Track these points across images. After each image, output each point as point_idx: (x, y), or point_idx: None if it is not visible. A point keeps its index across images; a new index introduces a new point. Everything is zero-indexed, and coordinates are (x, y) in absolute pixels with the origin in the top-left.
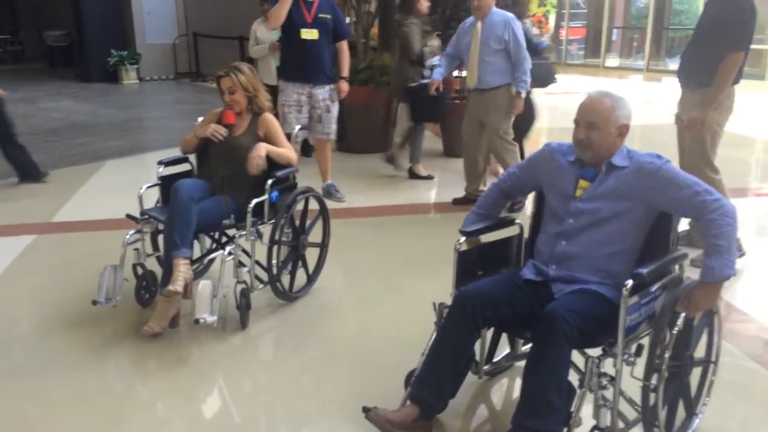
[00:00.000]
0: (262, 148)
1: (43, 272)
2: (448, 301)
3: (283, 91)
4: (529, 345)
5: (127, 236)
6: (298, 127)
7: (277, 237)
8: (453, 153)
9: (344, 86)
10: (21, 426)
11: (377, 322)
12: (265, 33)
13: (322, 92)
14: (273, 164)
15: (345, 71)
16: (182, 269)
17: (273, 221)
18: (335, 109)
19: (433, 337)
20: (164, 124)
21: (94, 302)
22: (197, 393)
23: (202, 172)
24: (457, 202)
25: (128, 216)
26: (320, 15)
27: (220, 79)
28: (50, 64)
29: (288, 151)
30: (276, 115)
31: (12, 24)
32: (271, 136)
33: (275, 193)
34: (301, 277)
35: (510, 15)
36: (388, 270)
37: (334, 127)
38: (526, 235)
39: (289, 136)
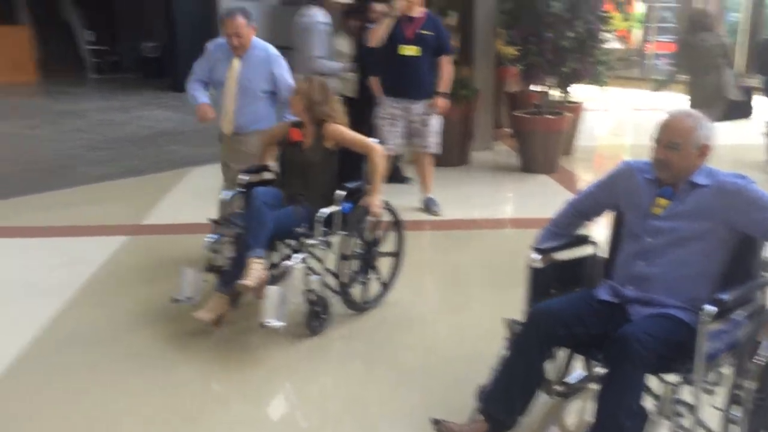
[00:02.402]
0: (376, 199)
1: (132, 271)
2: (520, 318)
3: (379, 105)
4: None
5: (208, 239)
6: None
7: (346, 252)
8: (531, 169)
9: (440, 102)
10: (102, 417)
11: (448, 335)
12: (345, 47)
13: (419, 107)
14: (345, 175)
15: (443, 87)
16: (254, 267)
17: (344, 232)
18: (435, 122)
19: (504, 353)
20: None
21: (174, 300)
22: (266, 396)
23: (279, 182)
24: None
25: (210, 220)
26: (421, 32)
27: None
28: (144, 75)
29: (378, 164)
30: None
31: (111, 36)
32: (343, 142)
33: (348, 205)
34: (374, 286)
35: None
36: (461, 284)
37: (432, 140)
38: (601, 254)
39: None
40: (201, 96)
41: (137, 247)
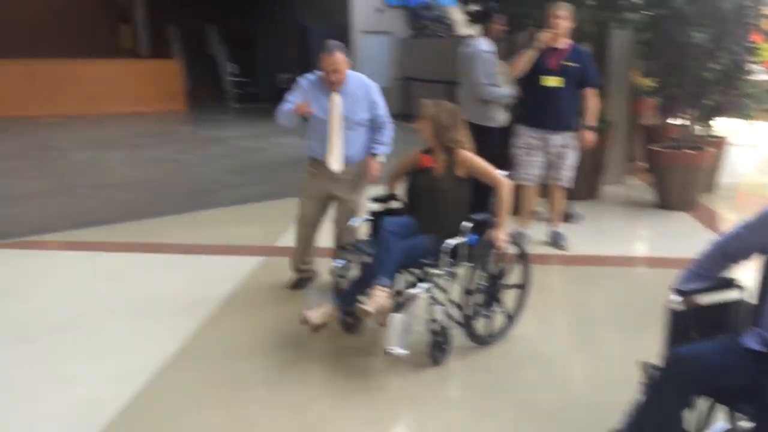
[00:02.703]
0: (500, 233)
1: (266, 290)
2: (656, 362)
3: (518, 135)
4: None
5: (336, 264)
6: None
7: (470, 284)
8: (667, 205)
9: (587, 136)
10: (238, 428)
11: (575, 375)
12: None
13: (557, 138)
14: (473, 206)
15: (590, 120)
16: (378, 295)
17: (469, 264)
18: (572, 155)
19: (639, 399)
20: None
21: (304, 321)
22: (386, 421)
23: (408, 210)
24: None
25: (338, 246)
26: (566, 63)
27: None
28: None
29: (504, 197)
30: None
31: (251, 69)
32: (473, 172)
33: (474, 237)
34: (499, 320)
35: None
36: (590, 323)
37: (566, 173)
38: (749, 299)
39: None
40: (289, 105)
41: (272, 267)
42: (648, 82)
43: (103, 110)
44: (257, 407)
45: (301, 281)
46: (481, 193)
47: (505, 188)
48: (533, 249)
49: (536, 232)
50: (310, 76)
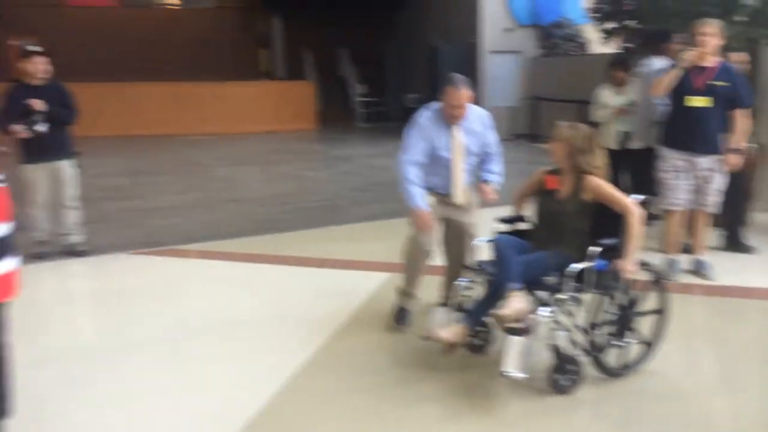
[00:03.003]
0: (628, 264)
1: (391, 306)
2: None
3: (663, 158)
4: None
5: (462, 282)
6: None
7: (597, 312)
8: None
9: (732, 159)
10: None
11: (717, 414)
12: (611, 98)
13: (704, 161)
14: (602, 230)
15: (736, 143)
16: (513, 298)
17: (596, 291)
18: (719, 181)
19: None
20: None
21: (425, 338)
22: None
23: (533, 230)
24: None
25: (463, 266)
26: (713, 83)
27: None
28: (407, 123)
29: (634, 226)
30: (614, 182)
31: (380, 89)
32: (601, 197)
33: (602, 262)
34: (632, 351)
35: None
36: (735, 358)
37: (713, 198)
38: None
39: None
40: (419, 197)
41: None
42: None
43: (241, 129)
44: (381, 422)
45: (403, 310)
46: (609, 218)
47: (636, 216)
48: (677, 278)
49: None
50: (427, 113)
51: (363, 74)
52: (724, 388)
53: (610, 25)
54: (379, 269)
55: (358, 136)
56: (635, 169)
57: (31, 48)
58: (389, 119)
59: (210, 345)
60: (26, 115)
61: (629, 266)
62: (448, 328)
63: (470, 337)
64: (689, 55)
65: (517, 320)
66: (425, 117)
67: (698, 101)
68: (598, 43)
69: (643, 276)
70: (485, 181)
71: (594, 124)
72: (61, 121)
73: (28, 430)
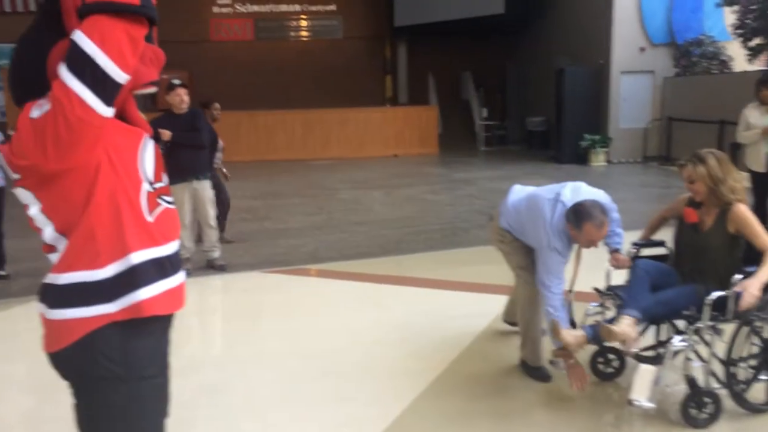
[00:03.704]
0: (753, 285)
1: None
2: None
3: None
4: None
5: (590, 307)
6: None
7: (737, 342)
8: None
9: None
10: None
11: None
12: (758, 118)
13: None
14: (749, 258)
15: None
16: (624, 321)
17: (738, 320)
18: None
19: None
20: (628, 207)
21: (551, 362)
22: None
23: (673, 261)
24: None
25: (595, 289)
26: None
27: (681, 167)
28: (529, 147)
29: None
30: (756, 209)
31: (502, 112)
32: (744, 231)
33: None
34: None
35: None
36: None
37: None
38: None
39: None
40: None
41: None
42: None
43: (366, 153)
44: None
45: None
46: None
47: None
48: None
49: None
50: (559, 241)
51: (485, 98)
52: None
53: (756, 41)
54: (501, 292)
55: (479, 159)
56: None
57: (174, 81)
58: (510, 143)
59: (336, 363)
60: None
61: (753, 289)
62: (571, 335)
63: (601, 365)
64: None
65: (622, 341)
66: (561, 243)
67: None
68: (743, 60)
69: None
70: (616, 250)
71: (738, 146)
72: (188, 144)
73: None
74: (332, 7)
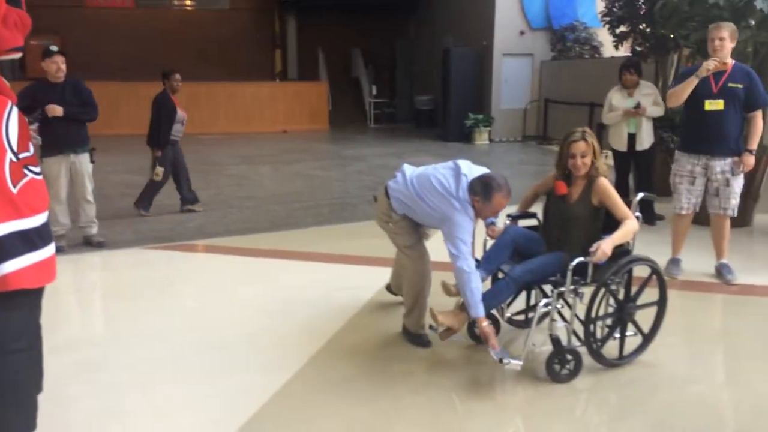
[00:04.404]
0: (606, 245)
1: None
2: None
3: (677, 161)
4: None
5: None
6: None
7: (595, 304)
8: None
9: (748, 160)
10: (377, 425)
11: (715, 401)
12: (620, 101)
13: (721, 164)
14: (606, 230)
15: (752, 144)
16: (456, 316)
17: (595, 284)
18: (737, 183)
19: None
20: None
21: (431, 328)
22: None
23: (542, 230)
24: None
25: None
26: (729, 85)
27: (574, 143)
28: (417, 125)
29: (628, 226)
30: (618, 184)
31: (391, 90)
32: (606, 202)
33: None
34: (630, 342)
35: None
36: (734, 352)
37: (733, 202)
38: None
39: (629, 203)
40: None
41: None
42: None
43: (254, 129)
44: (392, 405)
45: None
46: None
47: (632, 224)
48: (691, 278)
49: (694, 261)
50: (468, 210)
51: (375, 75)
52: (722, 379)
53: (622, 29)
54: (387, 265)
55: (368, 136)
56: (640, 169)
57: (51, 48)
58: (399, 121)
59: (222, 337)
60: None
61: (606, 247)
62: (447, 314)
63: (477, 329)
64: (710, 66)
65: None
66: (468, 220)
67: (713, 104)
68: (611, 46)
69: (644, 271)
70: (492, 223)
71: (603, 127)
72: (82, 120)
73: (49, 410)
74: None
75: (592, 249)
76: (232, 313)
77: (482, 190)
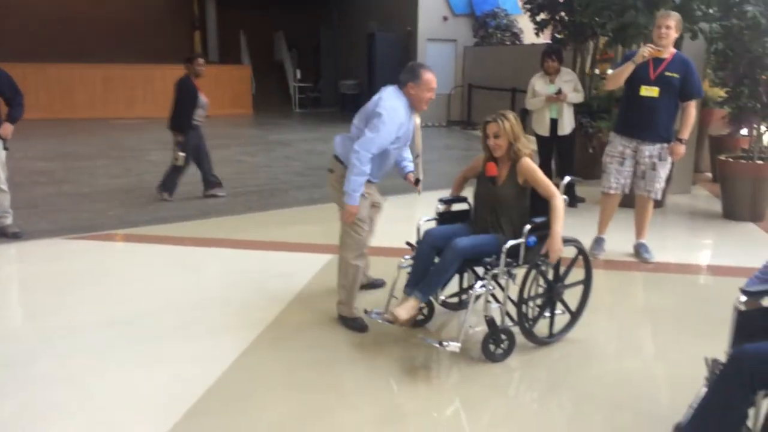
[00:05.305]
0: (555, 244)
1: (334, 285)
2: (723, 360)
3: (610, 142)
4: None
5: (403, 261)
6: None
7: (527, 285)
8: (734, 216)
9: (678, 149)
10: (318, 409)
11: (637, 372)
12: (543, 87)
13: (650, 149)
14: (533, 210)
15: (683, 133)
16: (411, 305)
17: (527, 265)
18: (663, 168)
19: (704, 394)
20: (434, 168)
21: (367, 312)
22: (445, 412)
23: (474, 213)
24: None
25: (407, 243)
26: (666, 73)
27: (487, 124)
28: (342, 109)
29: (558, 208)
30: (541, 168)
31: (315, 74)
32: (531, 181)
33: (532, 239)
34: (559, 321)
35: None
36: (653, 326)
37: (657, 186)
38: None
39: (556, 187)
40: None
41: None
42: (719, 93)
43: None
44: (330, 393)
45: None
46: (542, 198)
47: (559, 200)
48: (612, 257)
49: (616, 241)
50: (397, 101)
51: (299, 59)
52: (643, 351)
53: (542, 16)
54: (320, 251)
55: (293, 121)
56: (562, 153)
57: None
58: (324, 105)
59: (154, 327)
60: None
61: (556, 247)
62: (403, 306)
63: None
64: (647, 52)
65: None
66: (402, 105)
67: (649, 91)
68: (532, 33)
69: (570, 252)
70: (410, 172)
71: (526, 112)
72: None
73: None
74: None
75: (542, 251)
76: (164, 304)
77: (410, 73)
